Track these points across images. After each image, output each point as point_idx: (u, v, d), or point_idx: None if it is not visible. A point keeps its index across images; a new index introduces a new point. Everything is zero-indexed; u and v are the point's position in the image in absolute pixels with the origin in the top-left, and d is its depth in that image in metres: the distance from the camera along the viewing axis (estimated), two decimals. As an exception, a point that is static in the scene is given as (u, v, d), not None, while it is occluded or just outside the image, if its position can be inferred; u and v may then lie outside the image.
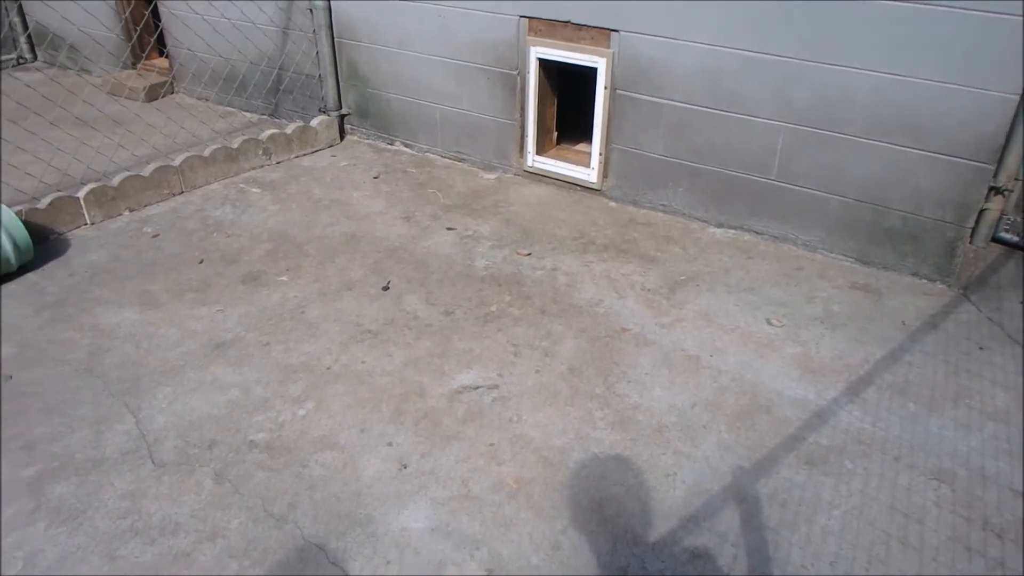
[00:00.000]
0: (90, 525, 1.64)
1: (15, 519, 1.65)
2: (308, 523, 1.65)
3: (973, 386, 2.09)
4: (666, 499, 1.72)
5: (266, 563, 1.55)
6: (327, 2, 3.57)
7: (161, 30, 4.14)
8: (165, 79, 4.35)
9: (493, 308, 2.44)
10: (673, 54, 2.77)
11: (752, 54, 2.62)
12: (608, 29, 2.88)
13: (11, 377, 2.09)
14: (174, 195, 3.19)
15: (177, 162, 3.18)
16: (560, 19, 2.98)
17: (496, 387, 2.08)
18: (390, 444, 1.87)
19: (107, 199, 2.97)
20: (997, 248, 2.61)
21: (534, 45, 3.08)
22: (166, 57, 4.44)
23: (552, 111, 3.36)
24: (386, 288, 2.56)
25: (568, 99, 3.40)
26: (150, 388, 2.05)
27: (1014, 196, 2.47)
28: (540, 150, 3.34)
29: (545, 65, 3.15)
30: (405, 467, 1.81)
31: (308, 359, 2.19)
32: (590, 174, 3.20)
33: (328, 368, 2.15)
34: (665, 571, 1.55)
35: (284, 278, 2.61)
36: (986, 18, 2.20)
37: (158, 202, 3.13)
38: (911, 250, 2.61)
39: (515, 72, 3.20)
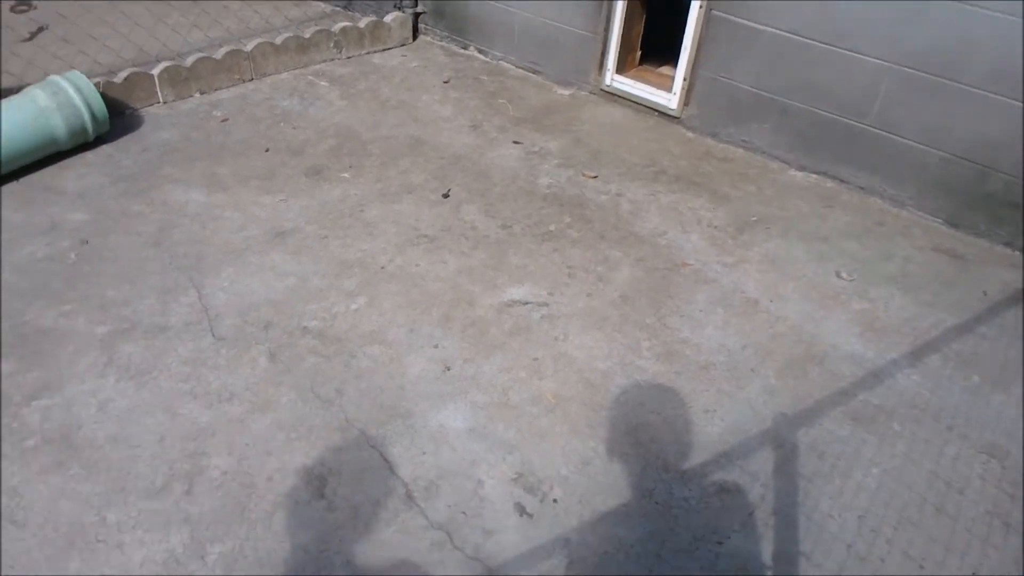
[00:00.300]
0: (155, 384, 1.76)
1: (90, 369, 1.79)
2: (352, 408, 1.73)
3: (1050, 367, 1.97)
4: (702, 434, 1.72)
5: (311, 438, 1.65)
6: None
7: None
8: (242, -40, 4.26)
9: (552, 227, 2.40)
10: (780, -28, 2.52)
11: (869, -21, 2.36)
12: (711, -62, 2.63)
13: (87, 242, 2.21)
14: (244, 81, 3.20)
15: (249, 48, 3.16)
16: (659, -77, 2.73)
17: (546, 305, 2.07)
18: (436, 346, 1.92)
19: (180, 79, 3.00)
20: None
21: (627, -49, 2.86)
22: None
23: (639, 28, 3.15)
24: (446, 196, 2.54)
25: (655, 16, 3.17)
26: (213, 267, 2.14)
27: None
28: (620, 69, 3.16)
29: (636, -26, 2.92)
30: (448, 369, 1.85)
31: (364, 256, 2.22)
32: (671, 100, 3.02)
33: (383, 267, 2.18)
34: (691, 499, 1.57)
35: (346, 175, 2.62)
36: None
37: (228, 87, 3.14)
38: (1009, 218, 2.40)
39: (602, -20, 2.99)
